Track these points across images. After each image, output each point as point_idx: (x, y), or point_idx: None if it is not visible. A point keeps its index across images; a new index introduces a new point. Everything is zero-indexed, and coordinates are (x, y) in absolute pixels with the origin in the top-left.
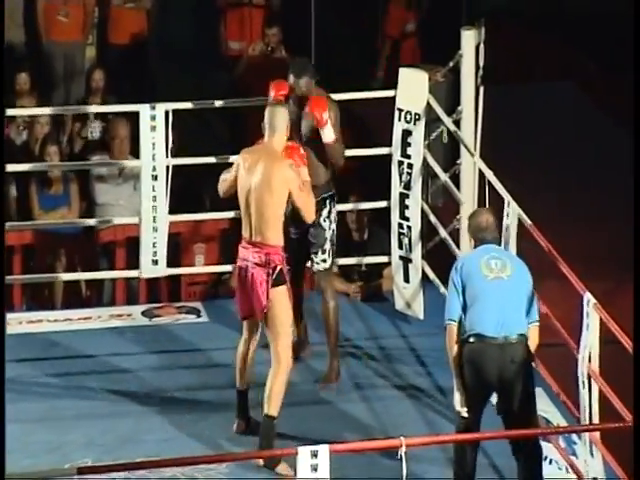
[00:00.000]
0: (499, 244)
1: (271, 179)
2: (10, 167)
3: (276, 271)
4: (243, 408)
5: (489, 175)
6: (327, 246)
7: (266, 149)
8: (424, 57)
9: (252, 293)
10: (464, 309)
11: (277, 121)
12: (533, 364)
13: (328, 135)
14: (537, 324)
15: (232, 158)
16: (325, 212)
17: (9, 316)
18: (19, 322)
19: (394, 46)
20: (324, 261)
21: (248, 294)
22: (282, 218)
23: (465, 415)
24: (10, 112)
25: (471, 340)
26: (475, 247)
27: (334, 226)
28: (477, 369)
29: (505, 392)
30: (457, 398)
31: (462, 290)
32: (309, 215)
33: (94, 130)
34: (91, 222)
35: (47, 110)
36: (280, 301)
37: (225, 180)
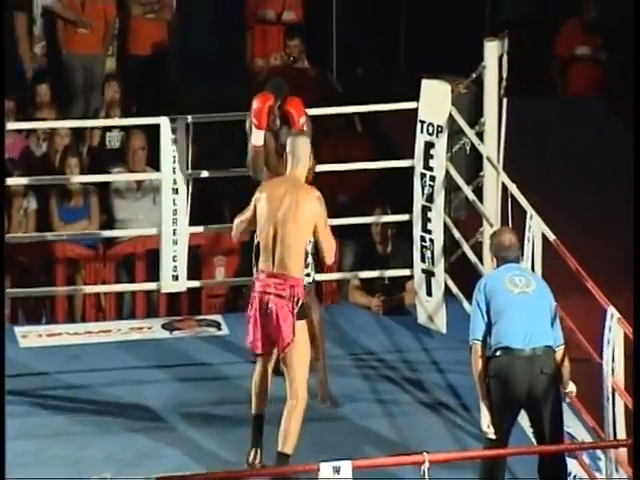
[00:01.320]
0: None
1: (298, 210)
2: (30, 180)
3: (299, 304)
4: (259, 435)
5: (512, 188)
6: (309, 260)
7: (291, 180)
8: (447, 68)
9: (275, 327)
10: (489, 327)
11: (300, 151)
12: (571, 387)
13: None
14: (563, 347)
15: None
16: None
17: (29, 329)
18: (39, 335)
19: (563, 67)
20: (308, 275)
21: (269, 328)
22: (305, 252)
23: (492, 436)
24: (28, 125)
25: (498, 354)
26: (497, 266)
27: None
28: (505, 383)
29: (535, 405)
30: (484, 418)
31: (486, 308)
32: (330, 254)
33: (112, 139)
34: (111, 234)
35: (64, 123)
36: (300, 335)
37: (243, 221)
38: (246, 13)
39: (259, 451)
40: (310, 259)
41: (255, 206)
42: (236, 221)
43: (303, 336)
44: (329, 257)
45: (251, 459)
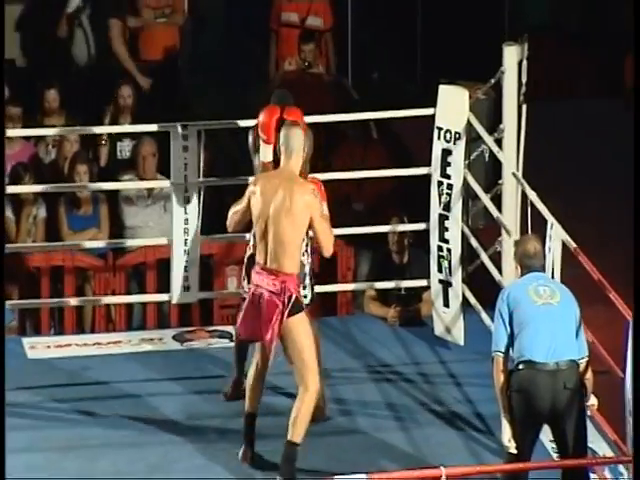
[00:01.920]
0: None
1: (292, 203)
2: (39, 188)
3: (291, 300)
4: (252, 434)
5: (532, 196)
6: (307, 281)
7: (284, 173)
8: (465, 73)
9: (265, 322)
10: (511, 339)
11: (294, 143)
12: (593, 400)
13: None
14: (587, 359)
15: None
16: (303, 245)
17: (36, 340)
18: (47, 346)
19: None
20: (305, 297)
21: (259, 321)
22: (300, 246)
23: (514, 451)
24: (37, 132)
25: (520, 367)
26: (522, 275)
27: (311, 259)
28: (528, 398)
29: (558, 420)
30: (505, 433)
31: (509, 319)
32: (327, 246)
33: (123, 149)
34: (121, 243)
35: (75, 130)
36: (299, 328)
37: (236, 212)
38: (270, 16)
39: (250, 450)
40: (307, 280)
41: (249, 198)
42: (230, 212)
43: (302, 329)
44: (326, 250)
45: (241, 457)
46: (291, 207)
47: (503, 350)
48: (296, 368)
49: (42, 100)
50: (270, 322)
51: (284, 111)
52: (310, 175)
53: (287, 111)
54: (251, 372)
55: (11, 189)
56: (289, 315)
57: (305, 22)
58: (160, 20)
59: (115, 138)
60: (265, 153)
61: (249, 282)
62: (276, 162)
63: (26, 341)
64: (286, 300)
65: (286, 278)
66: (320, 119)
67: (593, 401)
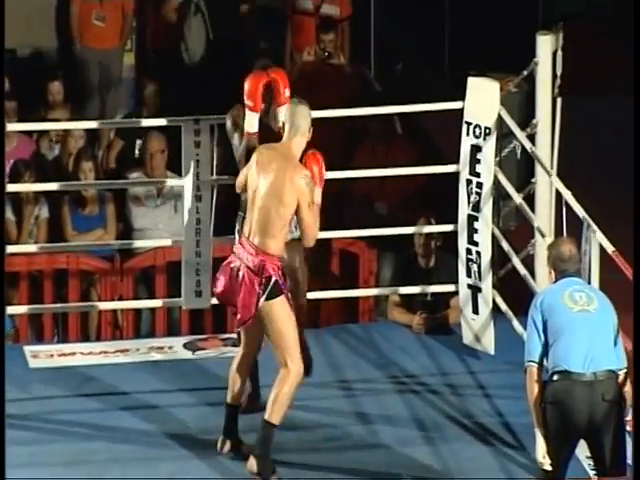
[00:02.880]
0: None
1: (283, 186)
2: (41, 186)
3: (270, 283)
4: (231, 425)
5: (567, 195)
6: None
7: (283, 150)
8: (496, 64)
9: (241, 300)
10: (546, 348)
11: (299, 120)
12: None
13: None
14: (626, 369)
15: None
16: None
17: (39, 348)
18: (50, 355)
19: None
20: (291, 232)
21: (235, 295)
22: (285, 229)
23: (548, 468)
24: (43, 126)
25: (555, 378)
26: (556, 280)
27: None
28: (564, 410)
29: (595, 435)
30: (539, 448)
31: (543, 327)
32: (310, 236)
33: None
34: (129, 244)
35: (82, 124)
36: (277, 313)
37: (241, 175)
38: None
39: (229, 442)
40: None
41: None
42: (240, 176)
43: (281, 313)
44: (307, 239)
45: (219, 447)
46: (281, 189)
47: (537, 360)
48: (276, 349)
49: (45, 93)
50: (245, 303)
51: (270, 74)
52: (312, 151)
53: (272, 71)
54: (234, 363)
55: (11, 187)
56: (267, 299)
57: (320, 10)
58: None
59: (133, 137)
60: (251, 122)
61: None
62: (264, 136)
63: (28, 349)
64: (264, 281)
65: (266, 258)
66: (341, 113)
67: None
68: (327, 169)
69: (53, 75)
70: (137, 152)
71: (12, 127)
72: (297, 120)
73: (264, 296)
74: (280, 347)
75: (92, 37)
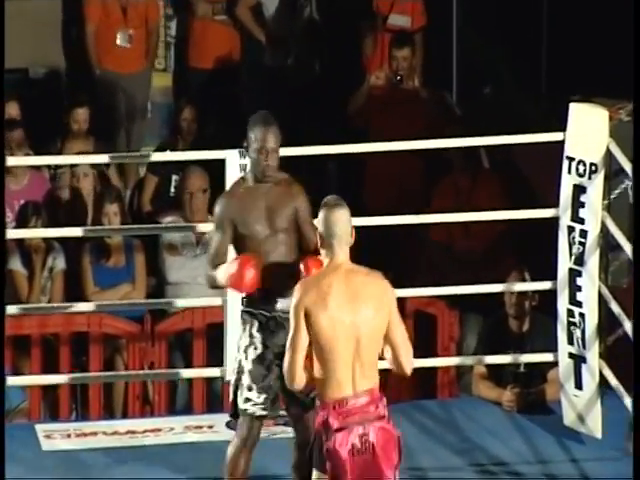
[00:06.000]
0: None
1: (381, 302)
2: (57, 232)
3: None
4: None
5: None
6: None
7: (345, 268)
8: (603, 88)
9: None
10: None
11: (342, 230)
12: None
13: None
14: None
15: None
16: None
17: (54, 427)
18: (67, 434)
19: None
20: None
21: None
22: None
23: None
24: (60, 160)
25: None
26: None
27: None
28: None
29: None
30: None
31: None
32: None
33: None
34: (162, 303)
35: (106, 158)
36: None
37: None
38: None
39: None
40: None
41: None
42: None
43: None
44: (408, 366)
45: None
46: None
47: None
48: None
49: (68, 121)
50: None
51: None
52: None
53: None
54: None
55: (20, 233)
56: None
57: (387, 21)
58: (218, 17)
59: (167, 172)
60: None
61: None
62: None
63: (40, 428)
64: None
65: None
66: (417, 145)
67: None
68: (402, 207)
69: (78, 100)
70: (173, 191)
71: (22, 161)
72: (339, 231)
73: None
74: None
75: (114, 60)
